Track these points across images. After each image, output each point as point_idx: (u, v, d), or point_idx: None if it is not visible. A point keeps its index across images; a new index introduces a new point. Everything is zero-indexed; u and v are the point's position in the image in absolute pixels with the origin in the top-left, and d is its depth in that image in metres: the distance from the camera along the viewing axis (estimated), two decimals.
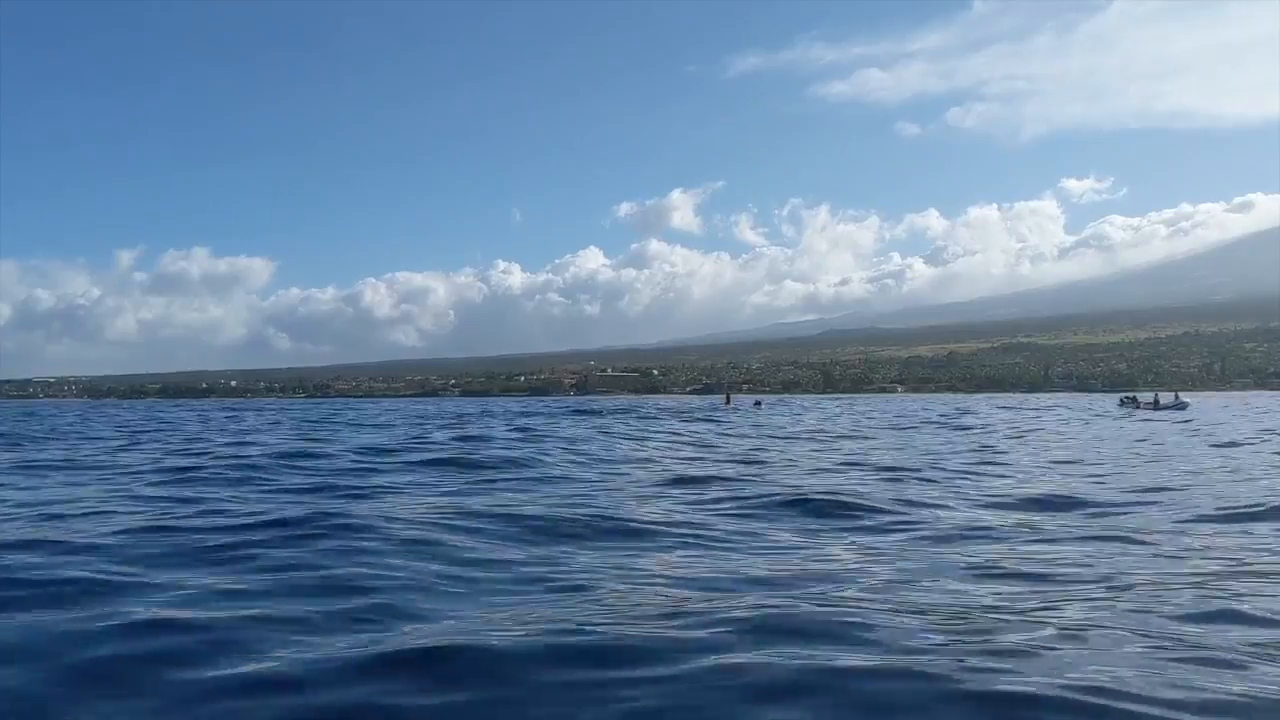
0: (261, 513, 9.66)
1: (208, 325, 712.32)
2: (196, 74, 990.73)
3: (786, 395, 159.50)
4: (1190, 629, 5.19)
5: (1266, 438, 23.91)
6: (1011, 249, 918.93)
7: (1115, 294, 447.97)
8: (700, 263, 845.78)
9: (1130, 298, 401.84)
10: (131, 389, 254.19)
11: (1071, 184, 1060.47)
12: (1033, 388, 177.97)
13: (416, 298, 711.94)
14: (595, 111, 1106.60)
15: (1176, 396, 53.42)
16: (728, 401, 77.75)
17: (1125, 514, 10.05)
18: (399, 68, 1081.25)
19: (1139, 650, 4.72)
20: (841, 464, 16.78)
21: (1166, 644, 4.83)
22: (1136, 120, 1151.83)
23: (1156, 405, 49.44)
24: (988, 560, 7.31)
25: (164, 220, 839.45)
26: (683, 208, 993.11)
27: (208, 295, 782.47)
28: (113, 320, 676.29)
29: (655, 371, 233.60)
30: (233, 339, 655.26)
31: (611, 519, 9.48)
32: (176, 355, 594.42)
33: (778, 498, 10.95)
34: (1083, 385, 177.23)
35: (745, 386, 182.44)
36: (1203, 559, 7.36)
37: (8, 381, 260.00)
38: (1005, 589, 6.30)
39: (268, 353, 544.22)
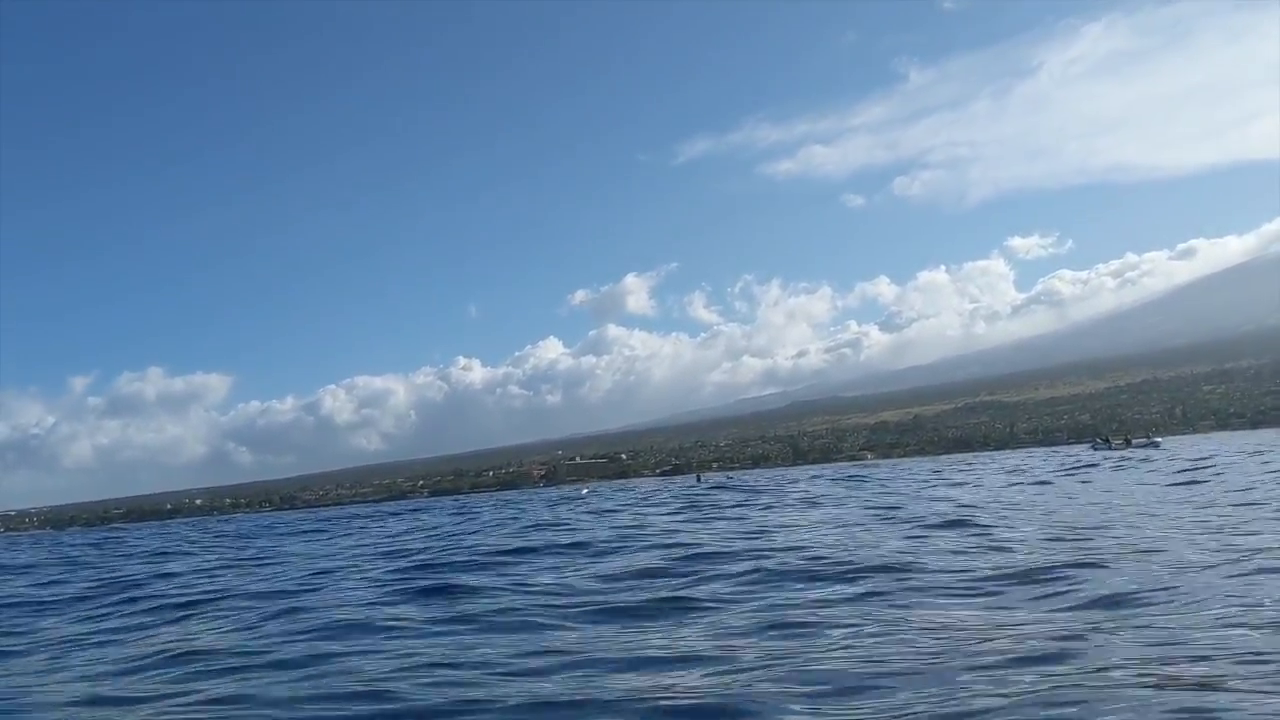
0: None
1: (166, 445, 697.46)
2: (135, 190, 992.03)
3: (756, 470, 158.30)
4: None
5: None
6: (964, 310, 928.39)
7: (1071, 347, 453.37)
8: (659, 345, 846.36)
9: (1086, 349, 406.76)
10: (95, 515, 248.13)
11: (1017, 242, 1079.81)
12: (1000, 445, 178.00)
13: (377, 401, 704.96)
14: (546, 203, 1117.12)
15: (1149, 437, 53.38)
16: (699, 479, 79.10)
17: None
18: (342, 172, 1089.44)
19: None
20: None
21: None
22: (1077, 176, 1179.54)
23: (1128, 444, 49.35)
24: None
25: (117, 343, 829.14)
26: (637, 291, 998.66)
27: (165, 415, 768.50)
28: (69, 447, 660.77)
29: (624, 456, 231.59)
30: (193, 457, 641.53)
31: None
32: (137, 478, 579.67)
33: None
34: (1049, 439, 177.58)
35: (715, 465, 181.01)
36: None
37: None
38: None
39: (229, 468, 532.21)
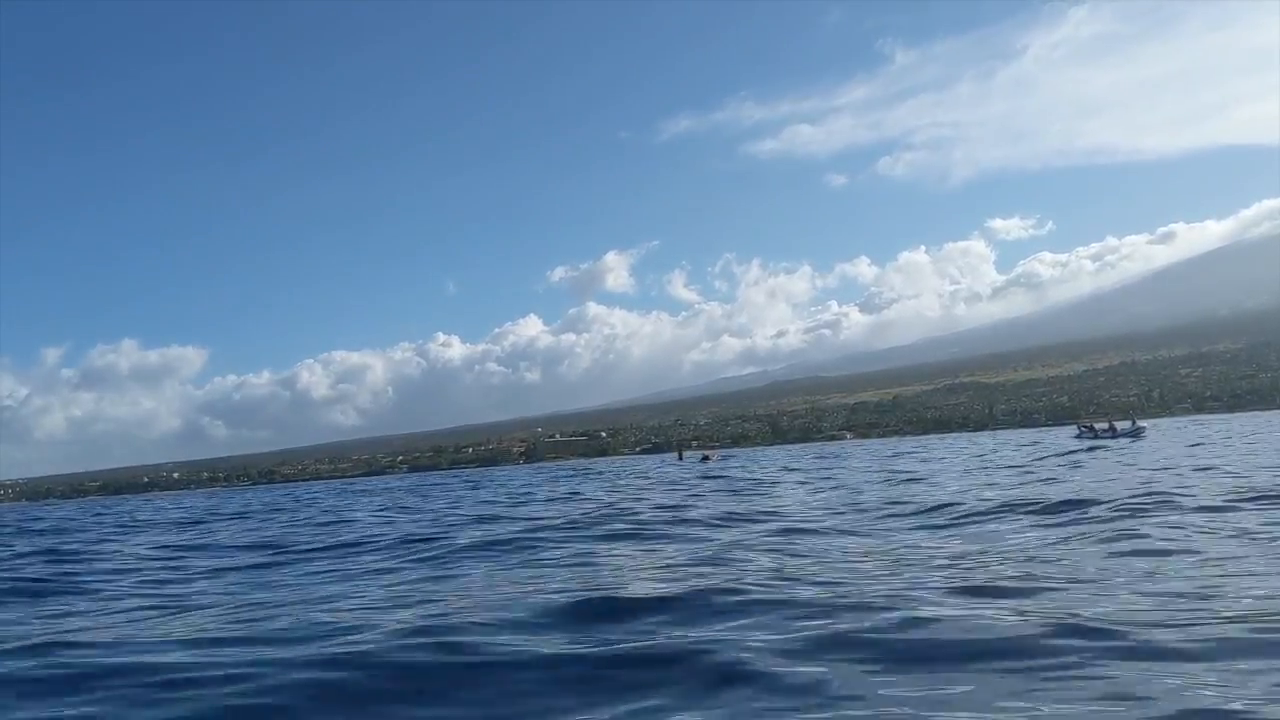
0: None
1: (141, 418, 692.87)
2: (110, 160, 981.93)
3: (736, 449, 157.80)
4: None
5: None
6: (944, 291, 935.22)
7: (1050, 329, 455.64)
8: (639, 323, 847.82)
9: (1064, 332, 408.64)
10: (71, 488, 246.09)
11: (998, 223, 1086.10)
12: (979, 426, 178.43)
13: (354, 376, 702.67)
14: (527, 179, 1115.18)
15: (1133, 422, 52.07)
16: (680, 457, 79.15)
17: None
18: (318, 144, 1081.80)
19: None
20: None
21: None
22: (1059, 159, 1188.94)
23: (1114, 433, 48.25)
24: None
25: (90, 314, 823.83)
26: (617, 269, 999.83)
27: (139, 388, 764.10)
28: (41, 419, 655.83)
29: (603, 434, 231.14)
30: (168, 431, 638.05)
31: None
32: (111, 451, 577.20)
33: None
34: (1026, 420, 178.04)
35: (694, 443, 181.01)
36: None
37: None
38: None
39: (205, 442, 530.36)
